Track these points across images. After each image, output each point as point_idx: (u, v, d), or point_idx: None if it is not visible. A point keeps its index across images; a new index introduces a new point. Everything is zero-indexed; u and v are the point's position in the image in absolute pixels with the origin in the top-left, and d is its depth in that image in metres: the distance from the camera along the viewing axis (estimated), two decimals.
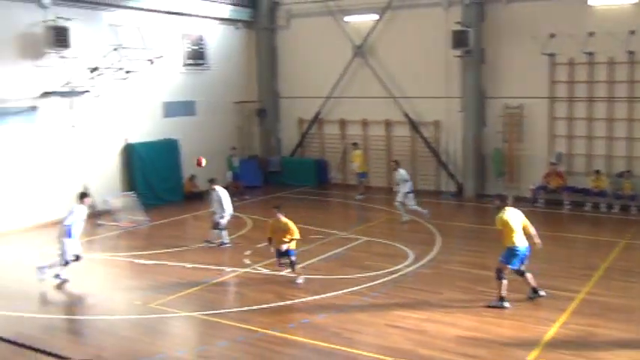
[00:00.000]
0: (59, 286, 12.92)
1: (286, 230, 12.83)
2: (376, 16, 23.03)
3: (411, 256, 14.53)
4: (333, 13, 23.76)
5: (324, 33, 24.19)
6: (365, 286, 12.49)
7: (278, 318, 11.03)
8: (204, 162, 15.52)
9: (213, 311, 11.32)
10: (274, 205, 13.53)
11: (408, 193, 18.00)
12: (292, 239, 12.84)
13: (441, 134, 22.58)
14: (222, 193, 16.00)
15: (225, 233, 15.97)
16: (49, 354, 6.74)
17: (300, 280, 12.84)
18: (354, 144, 22.77)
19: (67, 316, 11.26)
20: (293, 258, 12.89)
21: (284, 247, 12.76)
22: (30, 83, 17.93)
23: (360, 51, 23.49)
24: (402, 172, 18.21)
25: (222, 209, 15.78)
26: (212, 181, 16.31)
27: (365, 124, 23.85)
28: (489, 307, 11.14)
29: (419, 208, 18.04)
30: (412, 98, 22.67)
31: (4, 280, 13.53)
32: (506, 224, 11.12)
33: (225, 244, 15.86)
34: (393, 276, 13.11)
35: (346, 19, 23.62)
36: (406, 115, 22.83)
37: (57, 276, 13.04)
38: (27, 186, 17.95)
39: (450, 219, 18.85)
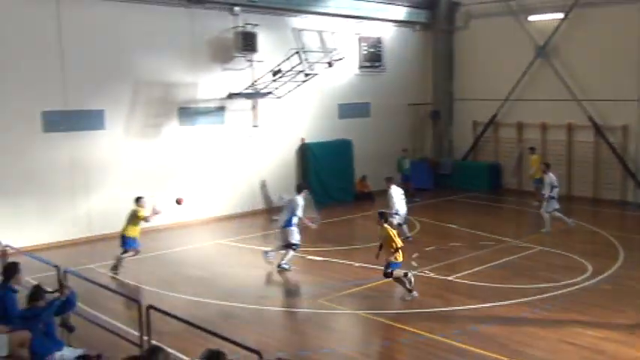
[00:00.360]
0: (280, 273, 13.90)
1: (385, 239, 12.13)
2: (561, 15, 21.89)
3: (590, 269, 13.63)
4: (515, 13, 22.92)
5: (504, 33, 23.45)
6: (537, 297, 11.90)
7: (444, 323, 10.81)
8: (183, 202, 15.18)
9: (378, 311, 11.39)
10: (379, 211, 12.95)
11: (552, 198, 17.07)
12: (395, 250, 11.98)
13: (629, 140, 20.96)
14: (393, 192, 16.10)
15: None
16: (221, 337, 7.13)
17: (408, 297, 11.98)
18: (531, 148, 21.77)
19: (240, 304, 11.88)
20: (389, 271, 11.97)
21: (391, 258, 12.00)
22: (219, 85, 19.18)
23: (543, 51, 22.46)
24: (552, 177, 17.24)
25: (393, 208, 15.87)
26: (388, 180, 16.57)
27: (544, 127, 22.76)
28: None
29: (548, 218, 17.09)
30: (598, 101, 21.29)
31: (188, 267, 14.59)
32: None
33: None
34: (569, 289, 12.37)
35: (530, 18, 22.68)
36: (590, 119, 21.46)
37: (280, 266, 14.01)
38: (212, 181, 19.21)
39: (636, 232, 17.43)
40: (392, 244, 11.91)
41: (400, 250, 11.95)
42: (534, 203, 20.89)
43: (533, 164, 21.43)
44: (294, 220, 14.19)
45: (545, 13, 22.29)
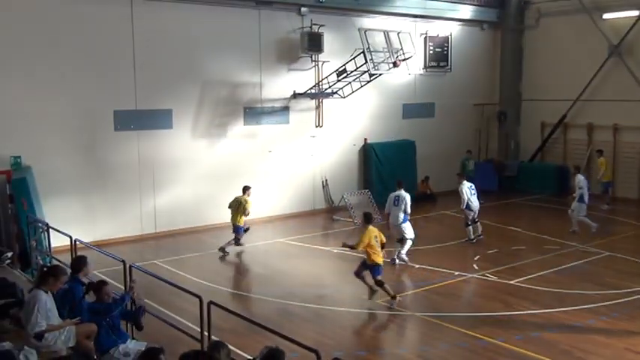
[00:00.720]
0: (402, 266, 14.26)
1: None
2: (636, 13, 21.14)
3: None
4: (588, 11, 22.24)
5: (576, 32, 22.84)
6: (603, 304, 11.56)
7: (505, 328, 10.63)
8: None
9: (437, 313, 11.30)
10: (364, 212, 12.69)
11: (581, 202, 16.81)
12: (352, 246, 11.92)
13: None
14: (464, 187, 16.24)
15: (469, 229, 16.23)
16: (280, 335, 7.23)
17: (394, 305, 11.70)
18: (599, 151, 21.12)
19: (299, 303, 11.99)
20: (378, 277, 11.74)
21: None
22: (284, 85, 19.38)
23: (617, 50, 21.72)
24: (580, 178, 16.95)
25: (463, 203, 16.14)
26: (459, 176, 17.17)
27: (616, 129, 22.03)
28: None
29: (587, 220, 16.81)
30: None
31: (249, 265, 14.84)
32: None
33: (469, 239, 16.21)
34: (638, 297, 11.95)
35: (604, 16, 21.97)
36: None
37: (400, 259, 14.37)
38: (275, 180, 19.40)
39: None
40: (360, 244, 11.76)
41: (375, 253, 11.73)
42: (603, 207, 20.30)
43: (601, 167, 20.80)
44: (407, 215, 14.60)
45: (620, 11, 21.57)
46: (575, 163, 18.49)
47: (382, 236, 12.04)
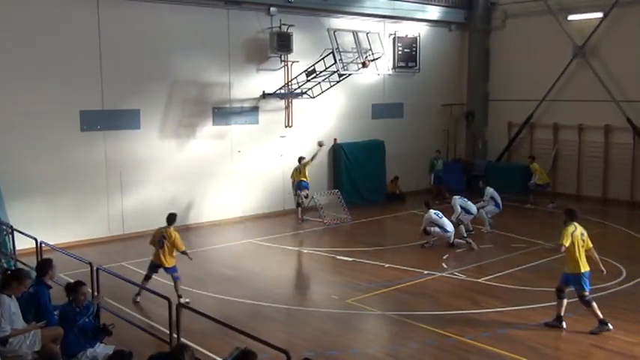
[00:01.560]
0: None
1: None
2: (600, 15, 21.52)
3: (624, 273, 13.40)
4: (554, 12, 22.57)
5: (542, 33, 23.14)
6: (569, 301, 11.65)
7: (472, 325, 10.75)
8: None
9: (406, 312, 11.37)
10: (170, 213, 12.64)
11: (496, 207, 17.83)
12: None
13: None
14: (454, 200, 16.76)
15: (460, 228, 16.46)
16: (250, 336, 7.22)
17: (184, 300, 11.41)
18: (531, 157, 21.87)
19: (269, 303, 11.96)
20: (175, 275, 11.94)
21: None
22: (253, 85, 19.29)
23: (581, 51, 22.08)
24: (490, 191, 17.89)
25: (456, 213, 16.57)
26: (450, 193, 17.91)
27: (581, 129, 22.40)
28: None
29: (487, 220, 17.73)
30: (637, 102, 20.85)
31: (218, 266, 14.74)
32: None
33: (469, 231, 16.78)
34: (602, 293, 12.11)
35: (569, 17, 22.31)
36: (629, 121, 21.06)
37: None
38: (245, 180, 19.33)
39: None
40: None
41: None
42: (527, 205, 21.08)
43: (536, 172, 21.32)
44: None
45: (585, 12, 21.94)
46: (486, 179, 19.31)
47: (178, 242, 12.06)
